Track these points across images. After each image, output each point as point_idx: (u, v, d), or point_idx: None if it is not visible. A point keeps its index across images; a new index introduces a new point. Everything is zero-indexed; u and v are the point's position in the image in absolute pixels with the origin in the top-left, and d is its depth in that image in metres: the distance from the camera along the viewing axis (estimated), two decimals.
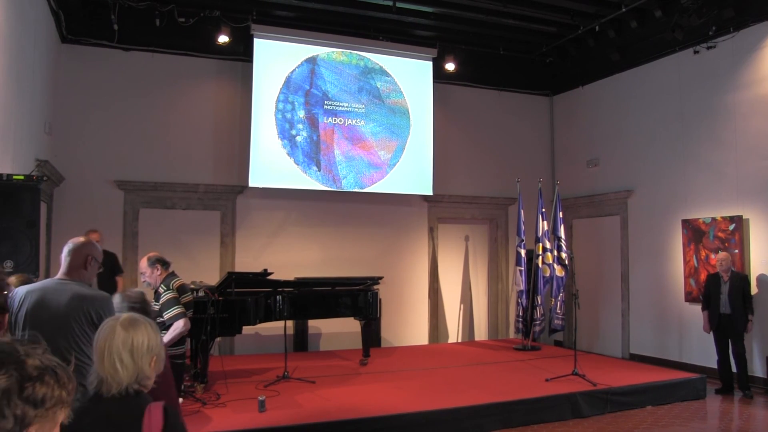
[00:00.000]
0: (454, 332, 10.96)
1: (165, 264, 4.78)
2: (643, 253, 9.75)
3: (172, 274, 4.78)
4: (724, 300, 7.59)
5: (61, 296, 2.95)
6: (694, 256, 8.79)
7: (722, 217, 8.42)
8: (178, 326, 4.51)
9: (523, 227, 9.91)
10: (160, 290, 4.64)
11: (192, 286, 7.16)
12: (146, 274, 4.73)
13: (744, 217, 8.19)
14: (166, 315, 4.52)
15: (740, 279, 7.57)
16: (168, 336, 4.52)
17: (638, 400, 7.04)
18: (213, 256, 9.28)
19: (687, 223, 8.91)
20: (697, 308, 8.73)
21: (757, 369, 7.96)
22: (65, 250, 3.14)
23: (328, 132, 9.72)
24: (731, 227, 8.29)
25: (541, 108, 11.86)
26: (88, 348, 2.94)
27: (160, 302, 4.60)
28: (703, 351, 8.64)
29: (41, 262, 5.54)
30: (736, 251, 8.20)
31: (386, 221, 10.37)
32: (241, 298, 7.08)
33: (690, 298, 8.85)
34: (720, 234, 8.44)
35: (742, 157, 8.29)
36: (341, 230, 10.01)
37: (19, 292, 2.96)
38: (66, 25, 8.31)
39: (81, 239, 3.21)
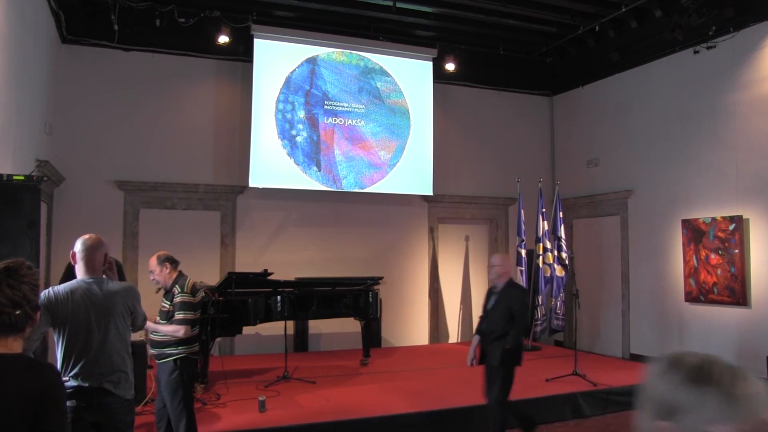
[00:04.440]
0: (454, 332, 10.96)
1: (174, 263, 4.76)
2: (644, 253, 9.73)
3: (182, 274, 4.77)
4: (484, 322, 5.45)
5: (100, 294, 3.20)
6: (694, 256, 8.78)
7: (722, 217, 8.40)
8: (179, 330, 4.50)
9: (523, 227, 9.91)
10: (175, 290, 4.62)
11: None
12: (155, 272, 4.69)
13: (744, 217, 8.17)
14: (178, 315, 4.53)
15: (510, 294, 5.31)
16: (164, 327, 4.54)
17: (638, 401, 7.01)
18: (213, 257, 9.27)
19: (687, 223, 8.90)
20: (698, 308, 8.75)
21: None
22: (82, 248, 3.27)
23: (328, 132, 9.71)
24: (731, 227, 8.28)
25: (542, 108, 11.84)
26: (128, 337, 3.32)
27: (174, 302, 4.58)
28: (704, 351, 8.62)
29: (41, 263, 5.54)
30: (737, 251, 8.19)
31: (386, 221, 10.36)
32: (241, 299, 7.08)
33: (690, 298, 8.84)
34: (720, 234, 8.43)
35: (743, 157, 8.26)
36: (341, 230, 10.00)
37: (59, 292, 3.12)
38: (66, 25, 8.29)
39: (94, 237, 3.33)
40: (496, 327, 5.25)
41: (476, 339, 5.48)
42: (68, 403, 3.00)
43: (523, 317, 5.30)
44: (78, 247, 3.26)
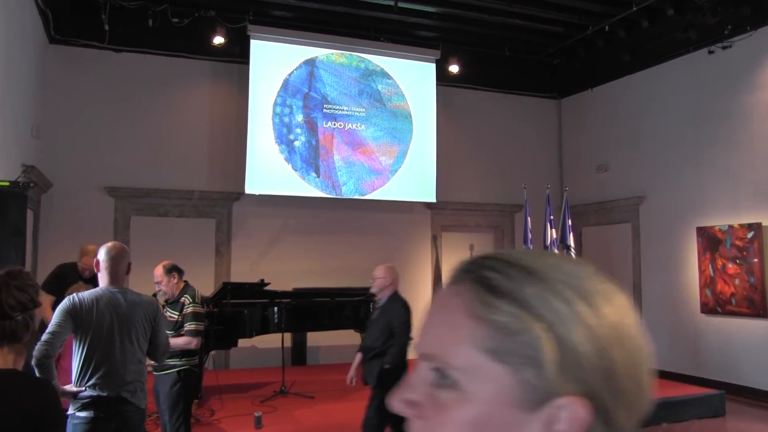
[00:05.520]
0: None
1: (180, 272, 4.79)
2: (656, 263, 9.50)
3: (189, 284, 4.80)
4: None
5: (124, 304, 3.34)
6: (710, 266, 8.51)
7: (739, 225, 8.15)
8: (191, 342, 4.51)
9: (530, 235, 9.68)
10: (185, 301, 4.62)
11: None
12: (162, 282, 4.68)
13: (763, 225, 7.92)
14: (190, 326, 4.55)
15: (391, 309, 4.94)
16: (177, 340, 4.48)
17: (653, 417, 6.50)
18: (208, 266, 9.09)
19: (702, 231, 8.65)
20: (715, 320, 8.51)
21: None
22: (106, 258, 3.38)
23: (327, 136, 9.52)
24: (749, 235, 8.01)
25: (549, 111, 11.65)
26: (146, 348, 3.45)
27: (184, 313, 4.59)
28: (722, 365, 8.38)
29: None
30: (755, 260, 7.91)
31: (388, 229, 10.15)
32: (236, 310, 7.03)
33: (706, 309, 8.57)
34: (737, 242, 8.15)
35: (760, 162, 8.03)
36: (341, 239, 9.79)
37: (84, 299, 3.23)
38: (54, 24, 8.11)
39: (118, 246, 3.47)
40: (375, 344, 4.92)
41: (358, 356, 5.15)
42: (85, 414, 3.15)
43: (403, 334, 4.85)
44: (102, 256, 3.38)
